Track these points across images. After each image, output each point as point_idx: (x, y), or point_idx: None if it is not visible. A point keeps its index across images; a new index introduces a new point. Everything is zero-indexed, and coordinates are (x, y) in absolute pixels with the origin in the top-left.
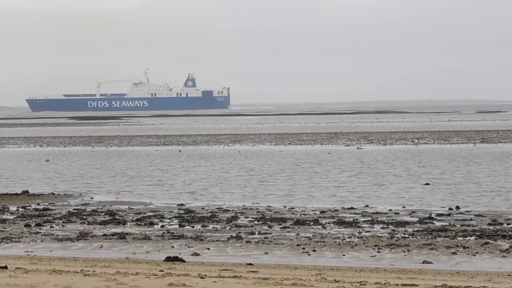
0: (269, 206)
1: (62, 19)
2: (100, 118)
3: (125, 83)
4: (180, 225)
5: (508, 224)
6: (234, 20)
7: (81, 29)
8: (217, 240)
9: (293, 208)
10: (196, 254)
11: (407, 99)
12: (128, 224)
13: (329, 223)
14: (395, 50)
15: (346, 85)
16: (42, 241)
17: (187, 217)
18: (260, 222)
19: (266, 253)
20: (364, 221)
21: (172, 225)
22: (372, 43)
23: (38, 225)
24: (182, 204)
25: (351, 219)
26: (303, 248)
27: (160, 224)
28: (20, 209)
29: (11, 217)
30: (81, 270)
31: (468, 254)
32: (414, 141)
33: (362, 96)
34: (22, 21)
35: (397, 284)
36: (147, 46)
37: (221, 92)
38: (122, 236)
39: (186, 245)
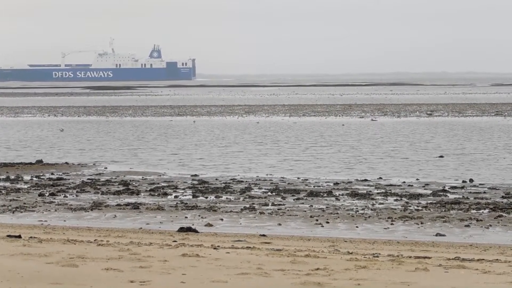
0: (283, 178)
1: None
2: (114, 88)
3: (91, 54)
4: (194, 196)
5: None
6: None
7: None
8: (231, 211)
9: (307, 179)
10: (210, 225)
11: (421, 70)
12: (142, 194)
13: (342, 195)
14: (409, 20)
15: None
16: (56, 210)
17: (200, 187)
18: (274, 194)
19: (280, 225)
20: (378, 193)
21: (185, 195)
22: (385, 12)
23: (52, 194)
24: (195, 175)
25: (365, 191)
26: (316, 220)
27: (174, 194)
28: (34, 179)
29: (25, 186)
30: (95, 240)
31: (481, 227)
32: (426, 113)
33: (365, 67)
34: None
35: (410, 256)
36: (114, 16)
37: (186, 64)
38: (135, 206)
39: (199, 215)
